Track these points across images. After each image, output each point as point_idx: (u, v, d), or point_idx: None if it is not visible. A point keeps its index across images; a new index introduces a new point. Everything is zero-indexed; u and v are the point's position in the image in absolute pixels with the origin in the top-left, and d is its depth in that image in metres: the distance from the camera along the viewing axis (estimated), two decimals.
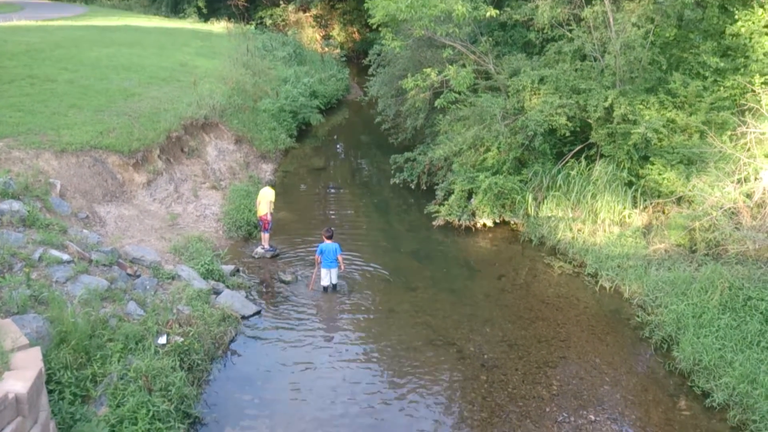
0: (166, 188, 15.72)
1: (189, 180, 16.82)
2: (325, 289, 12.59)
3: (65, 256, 10.11)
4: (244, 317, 11.44)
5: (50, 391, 7.31)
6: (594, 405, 9.50)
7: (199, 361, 9.65)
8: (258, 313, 11.72)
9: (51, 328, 8.19)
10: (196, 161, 17.80)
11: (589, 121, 14.83)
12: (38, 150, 13.38)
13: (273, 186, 15.21)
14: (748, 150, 12.86)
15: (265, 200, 14.13)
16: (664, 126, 13.68)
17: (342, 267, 12.75)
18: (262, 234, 14.30)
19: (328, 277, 12.53)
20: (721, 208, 12.46)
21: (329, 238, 12.51)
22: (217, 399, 9.31)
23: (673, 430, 8.99)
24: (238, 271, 13.23)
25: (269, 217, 14.15)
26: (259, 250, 14.18)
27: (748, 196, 12.61)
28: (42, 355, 6.92)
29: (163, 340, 9.39)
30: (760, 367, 9.42)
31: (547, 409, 9.37)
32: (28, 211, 10.92)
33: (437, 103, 17.22)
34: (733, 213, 12.54)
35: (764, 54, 13.77)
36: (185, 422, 8.35)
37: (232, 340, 10.80)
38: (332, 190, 19.96)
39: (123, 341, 8.84)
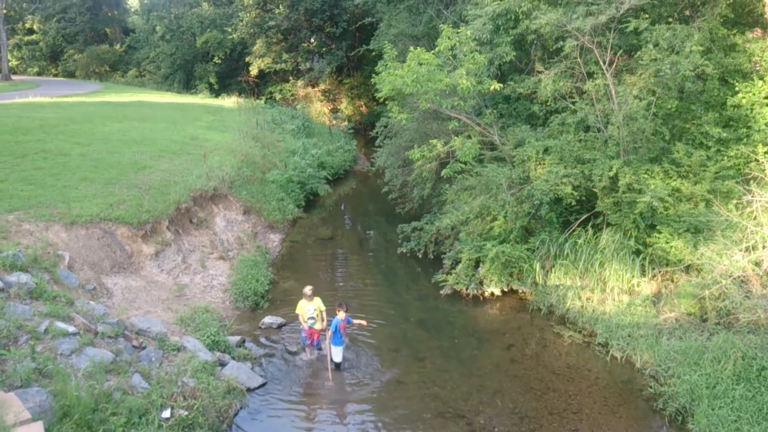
0: (174, 259, 15.83)
1: (197, 250, 16.95)
2: (337, 366, 12.19)
3: (71, 329, 10.12)
4: (249, 389, 11.30)
5: None
6: None
7: None
8: (263, 385, 11.58)
9: (54, 402, 8.13)
10: (205, 232, 17.97)
11: (595, 190, 14.97)
12: (48, 222, 13.59)
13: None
14: (755, 218, 12.90)
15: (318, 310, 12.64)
16: (669, 195, 13.78)
17: (364, 323, 12.84)
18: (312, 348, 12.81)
19: (340, 354, 12.18)
20: (730, 277, 12.40)
21: (346, 311, 12.07)
22: None
23: None
24: (244, 342, 13.15)
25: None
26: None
27: (757, 264, 12.56)
28: (44, 430, 6.84)
29: (167, 413, 9.27)
30: None
31: None
32: (36, 284, 11.01)
33: (444, 172, 17.47)
34: (742, 281, 12.46)
35: (766, 124, 14.03)
36: None
37: (236, 414, 10.63)
38: (340, 260, 20.02)
39: (126, 415, 8.74)
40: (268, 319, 14.19)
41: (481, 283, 15.96)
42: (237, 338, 13.02)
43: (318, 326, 12.52)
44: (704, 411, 10.19)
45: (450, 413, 10.90)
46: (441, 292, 16.01)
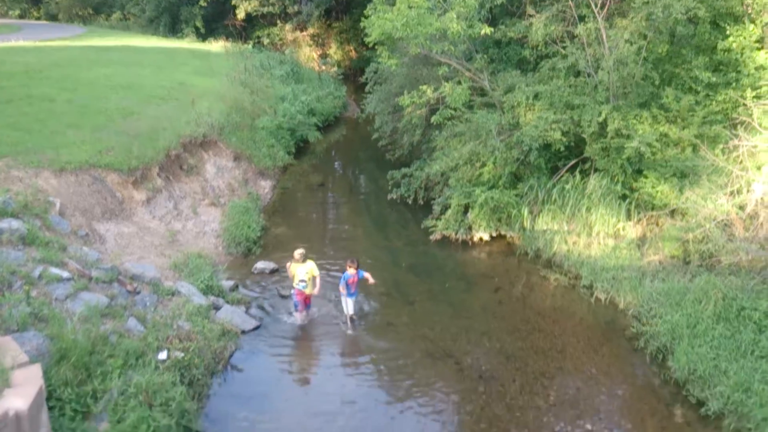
0: (165, 205, 15.85)
1: (188, 197, 16.95)
2: (350, 319, 12.14)
3: (65, 274, 10.19)
4: (243, 332, 11.51)
5: (51, 408, 7.35)
6: (591, 414, 9.56)
7: (200, 376, 9.70)
8: (257, 327, 11.79)
9: (51, 345, 8.25)
10: (195, 179, 17.94)
11: (584, 136, 14.99)
12: (37, 169, 13.51)
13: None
14: (741, 163, 13.02)
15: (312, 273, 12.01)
16: (657, 140, 13.83)
17: (372, 281, 12.21)
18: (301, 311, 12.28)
19: (352, 304, 12.17)
20: (714, 220, 12.59)
21: (356, 267, 11.89)
22: (218, 414, 9.36)
23: None
24: (237, 286, 13.31)
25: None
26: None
27: (741, 208, 12.74)
28: (42, 372, 6.98)
29: (163, 355, 9.45)
30: (754, 375, 9.49)
31: (545, 419, 9.43)
32: (28, 230, 11.02)
33: (433, 119, 17.39)
34: (726, 225, 12.66)
35: (755, 68, 13.98)
36: None
37: (232, 355, 10.86)
38: (330, 206, 20.10)
39: (123, 357, 8.90)
40: (260, 264, 14.33)
41: (470, 228, 16.11)
42: (230, 283, 13.17)
43: (309, 291, 11.92)
44: (684, 349, 10.50)
45: (439, 353, 11.18)
46: (431, 237, 16.17)
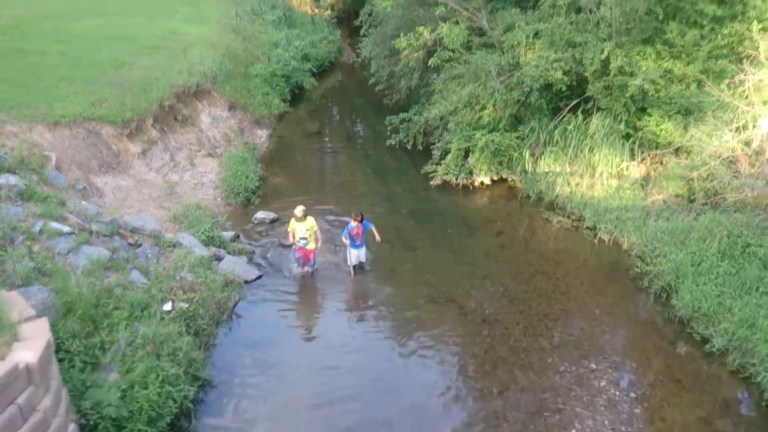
0: (161, 157, 15.70)
1: (184, 148, 16.78)
2: (354, 267, 12.18)
3: (65, 228, 10.15)
4: (246, 282, 11.57)
5: (60, 360, 7.42)
6: (595, 354, 9.67)
7: (205, 326, 9.79)
8: (260, 277, 11.83)
9: (56, 299, 8.28)
10: (191, 129, 17.72)
11: (586, 74, 14.73)
12: (31, 123, 13.32)
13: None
14: (746, 98, 12.82)
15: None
16: (661, 77, 13.60)
17: (378, 237, 12.06)
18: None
19: (356, 254, 12.13)
20: (719, 157, 12.48)
21: (360, 220, 11.80)
22: (225, 362, 9.47)
23: (673, 376, 9.18)
24: (238, 237, 13.31)
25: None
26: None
27: (747, 144, 12.61)
28: (49, 326, 7.01)
29: (168, 306, 9.50)
30: (758, 311, 9.57)
31: (549, 360, 9.55)
32: (26, 185, 10.92)
33: (431, 62, 17.07)
34: (731, 161, 12.56)
35: (762, 0, 13.62)
36: (195, 385, 8.50)
37: (236, 305, 10.94)
38: (328, 154, 19.94)
39: (129, 309, 8.94)
40: (260, 215, 14.29)
41: (470, 172, 16.01)
42: (231, 233, 13.16)
43: (311, 246, 11.80)
44: (688, 287, 10.57)
45: (442, 299, 11.25)
46: (431, 183, 16.09)
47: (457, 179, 15.92)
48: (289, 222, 11.81)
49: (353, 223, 11.78)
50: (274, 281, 11.84)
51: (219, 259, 11.87)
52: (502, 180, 16.15)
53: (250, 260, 12.43)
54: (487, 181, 16.03)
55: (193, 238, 12.01)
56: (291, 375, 9.29)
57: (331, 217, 14.31)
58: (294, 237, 11.74)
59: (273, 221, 14.18)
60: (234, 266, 11.64)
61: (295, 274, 12.11)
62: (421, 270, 12.23)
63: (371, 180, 17.13)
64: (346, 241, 11.93)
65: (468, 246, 13.23)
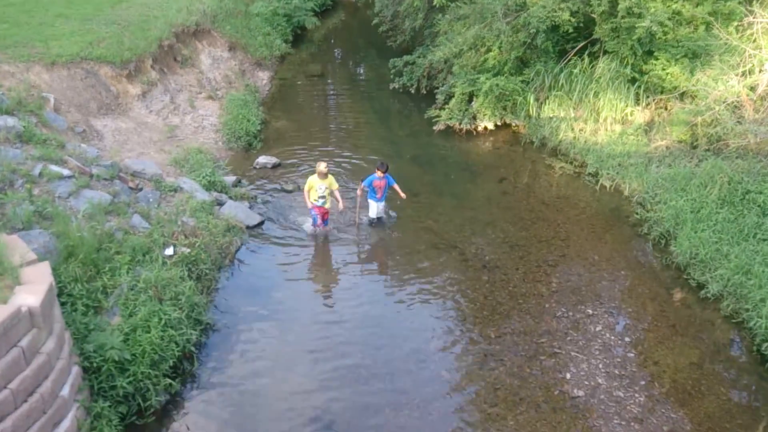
0: (161, 99, 15.55)
1: (184, 90, 16.60)
2: (371, 222, 11.96)
3: (66, 171, 10.14)
4: (248, 227, 11.62)
5: (62, 304, 7.53)
6: (592, 300, 9.79)
7: (207, 271, 9.88)
8: (262, 223, 11.87)
9: (58, 242, 8.33)
10: (191, 71, 17.50)
11: (593, 15, 14.40)
12: (28, 63, 13.14)
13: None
14: (754, 41, 12.57)
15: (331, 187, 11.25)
16: (669, 18, 13.28)
17: (402, 195, 11.64)
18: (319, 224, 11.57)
19: (376, 208, 11.84)
20: (724, 102, 12.32)
21: (384, 171, 11.36)
22: (227, 306, 9.61)
23: (668, 321, 9.31)
24: (240, 182, 13.31)
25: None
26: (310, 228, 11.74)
27: (752, 89, 12.44)
28: (51, 270, 7.09)
29: (170, 251, 9.58)
30: (755, 258, 9.64)
31: (547, 305, 9.68)
32: (24, 127, 10.85)
33: (436, 1, 16.73)
34: (735, 107, 12.41)
35: None
36: (197, 328, 8.65)
37: (238, 250, 11.01)
38: (331, 97, 19.73)
39: (130, 253, 9.01)
40: (262, 159, 14.24)
41: (474, 117, 15.86)
42: (233, 178, 13.16)
43: (328, 205, 11.27)
44: (687, 234, 10.61)
45: (443, 244, 11.32)
46: (434, 127, 15.96)
47: (460, 124, 15.79)
48: (307, 177, 11.30)
49: (377, 174, 11.36)
50: (276, 226, 11.89)
51: (221, 204, 11.90)
52: (506, 125, 16.01)
53: (252, 205, 12.45)
54: (490, 126, 15.90)
55: (194, 183, 12.01)
56: (293, 320, 9.43)
57: (336, 163, 14.29)
58: (310, 197, 11.11)
59: (275, 166, 14.15)
60: (236, 211, 11.68)
61: (306, 230, 11.67)
62: (424, 216, 12.26)
63: (374, 124, 17.00)
64: (361, 192, 11.52)
65: (470, 192, 13.23)
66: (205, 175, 12.43)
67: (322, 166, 10.96)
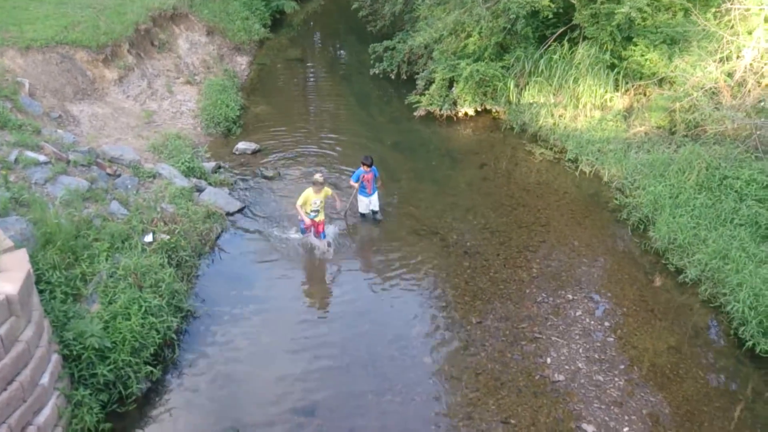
0: (138, 84, 15.32)
1: (162, 75, 16.37)
2: (364, 215, 11.71)
3: (42, 158, 9.97)
4: (228, 214, 11.53)
5: (41, 291, 7.43)
6: (572, 285, 9.88)
7: (187, 258, 9.80)
8: (242, 209, 11.79)
9: (35, 229, 8.20)
10: (168, 55, 17.25)
11: (573, 1, 14.43)
12: (2, 48, 12.85)
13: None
14: (732, 27, 12.68)
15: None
16: (648, 4, 13.35)
17: (379, 184, 11.54)
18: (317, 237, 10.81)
19: (366, 203, 11.54)
20: (702, 89, 12.44)
21: (369, 165, 11.13)
22: (208, 293, 9.55)
23: (647, 305, 9.43)
24: (219, 167, 13.19)
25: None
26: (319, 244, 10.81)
27: (729, 75, 12.58)
28: (28, 257, 6.98)
29: (149, 238, 9.48)
30: (732, 243, 9.79)
31: (527, 291, 9.75)
32: None
33: None
34: (713, 93, 12.55)
35: None
36: (178, 316, 8.59)
37: (218, 237, 10.94)
38: (310, 82, 19.59)
39: (109, 240, 8.90)
40: (242, 145, 14.12)
41: (455, 103, 15.84)
42: (212, 164, 13.04)
43: (321, 218, 10.60)
44: (665, 219, 10.74)
45: (424, 230, 11.33)
46: (415, 113, 15.92)
47: (441, 110, 15.76)
48: (302, 191, 10.54)
49: (363, 169, 11.13)
50: (256, 213, 11.81)
51: (200, 190, 11.79)
52: (486, 111, 16.03)
53: (232, 191, 12.36)
54: (471, 112, 15.90)
55: (173, 169, 11.88)
56: (274, 308, 9.39)
57: (314, 150, 14.23)
58: (303, 211, 10.35)
59: (255, 152, 14.03)
60: (216, 198, 11.59)
61: (297, 238, 10.91)
62: (405, 202, 12.28)
63: (354, 110, 16.93)
64: (355, 185, 11.33)
65: (451, 178, 13.25)
66: (184, 161, 12.30)
67: (318, 176, 10.30)
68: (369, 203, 11.53)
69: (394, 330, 8.98)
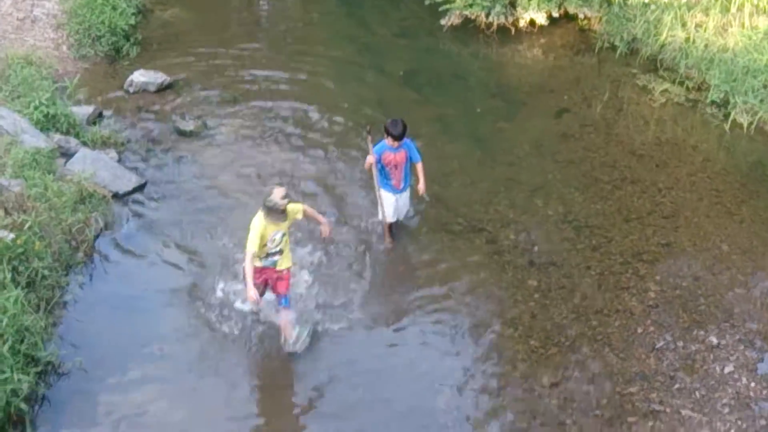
0: None
1: None
2: (390, 227, 11.13)
3: None
4: (118, 195, 11.58)
5: None
6: (717, 320, 9.92)
7: (47, 273, 9.82)
8: (141, 187, 11.87)
9: None
10: None
11: None
12: None
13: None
14: None
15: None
16: None
17: (422, 188, 10.88)
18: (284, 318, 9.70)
19: (395, 205, 10.89)
20: None
21: (397, 137, 10.35)
22: (82, 333, 9.55)
23: None
24: (101, 115, 13.25)
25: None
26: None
27: None
28: None
29: None
30: None
31: (639, 330, 9.79)
32: None
33: None
34: None
35: None
36: (30, 370, 8.61)
37: (98, 235, 10.98)
38: None
39: None
40: (140, 77, 14.17)
41: (512, 4, 15.88)
42: (89, 109, 13.09)
43: (285, 265, 9.48)
44: None
45: (460, 225, 11.37)
46: (442, 21, 16.02)
47: (488, 16, 15.82)
48: (251, 217, 9.21)
49: (387, 142, 10.45)
50: (166, 193, 11.86)
51: (68, 154, 11.85)
52: (568, 17, 16.09)
53: (123, 158, 12.41)
54: (541, 19, 15.96)
55: (19, 117, 11.93)
56: (202, 359, 9.35)
57: (265, 102, 14.14)
58: (254, 247, 9.01)
59: (162, 88, 14.08)
60: (95, 167, 11.62)
61: (246, 306, 9.93)
62: (427, 177, 11.77)
63: (335, 17, 16.99)
64: (370, 166, 10.66)
65: (506, 133, 13.34)
66: (38, 105, 12.34)
67: (276, 195, 8.82)
68: (396, 205, 10.92)
69: (410, 399, 9.01)
